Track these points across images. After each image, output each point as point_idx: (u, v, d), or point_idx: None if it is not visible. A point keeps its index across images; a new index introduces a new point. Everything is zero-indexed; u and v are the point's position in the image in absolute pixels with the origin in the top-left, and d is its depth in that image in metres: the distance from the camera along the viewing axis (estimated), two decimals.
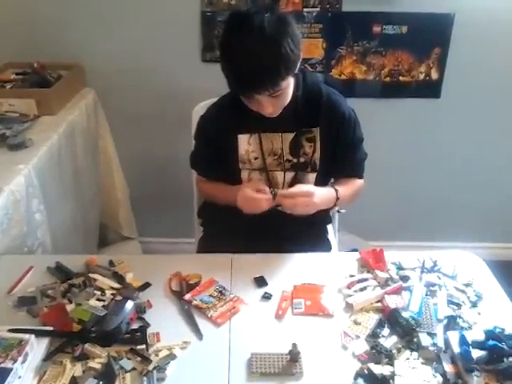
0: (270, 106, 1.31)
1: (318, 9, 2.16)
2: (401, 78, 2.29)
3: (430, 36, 2.22)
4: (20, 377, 1.01)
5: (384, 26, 2.20)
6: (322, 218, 1.64)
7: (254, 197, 1.35)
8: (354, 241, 2.24)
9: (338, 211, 1.70)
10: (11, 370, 1.00)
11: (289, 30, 1.22)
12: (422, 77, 2.29)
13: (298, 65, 1.30)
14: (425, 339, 1.09)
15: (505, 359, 1.01)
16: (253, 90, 1.26)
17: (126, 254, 1.46)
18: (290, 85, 1.32)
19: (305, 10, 2.16)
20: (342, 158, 1.52)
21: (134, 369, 1.05)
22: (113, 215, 2.47)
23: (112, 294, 1.24)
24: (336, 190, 1.46)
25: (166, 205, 2.53)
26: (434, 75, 2.28)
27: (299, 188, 1.36)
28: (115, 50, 2.25)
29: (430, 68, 2.27)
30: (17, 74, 2.18)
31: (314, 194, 1.33)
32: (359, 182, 1.60)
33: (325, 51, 2.24)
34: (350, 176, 1.58)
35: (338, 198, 1.46)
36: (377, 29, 2.21)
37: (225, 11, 2.14)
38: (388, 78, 2.30)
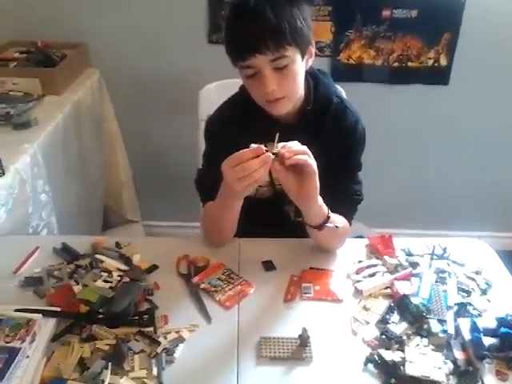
0: (273, 81, 1.19)
1: None
2: (409, 63, 2.27)
3: (440, 21, 2.20)
4: (28, 356, 1.00)
5: (394, 10, 2.18)
6: None
7: (242, 158, 1.09)
8: (359, 228, 2.23)
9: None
10: (19, 349, 0.99)
11: (296, 3, 1.20)
12: (430, 63, 2.27)
13: (309, 46, 1.25)
14: (435, 326, 1.08)
15: None
16: (254, 48, 1.16)
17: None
18: (296, 65, 1.22)
19: None
20: (334, 181, 1.30)
21: (142, 351, 1.04)
22: (116, 197, 2.46)
23: (119, 275, 1.23)
24: (328, 209, 1.27)
25: (170, 188, 2.51)
26: (443, 61, 2.26)
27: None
28: (120, 29, 2.23)
29: (439, 54, 2.25)
30: (20, 52, 2.15)
31: (310, 155, 1.12)
32: (346, 224, 1.38)
33: (333, 35, 2.22)
34: (339, 212, 1.35)
35: (328, 217, 1.25)
36: (386, 13, 2.18)
37: None
38: (396, 64, 2.27)
